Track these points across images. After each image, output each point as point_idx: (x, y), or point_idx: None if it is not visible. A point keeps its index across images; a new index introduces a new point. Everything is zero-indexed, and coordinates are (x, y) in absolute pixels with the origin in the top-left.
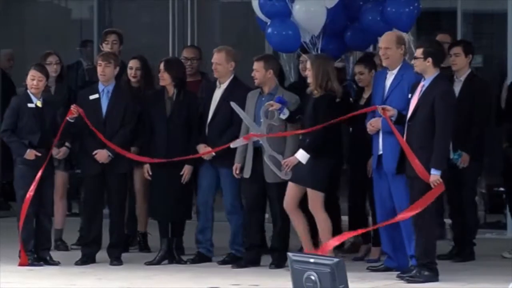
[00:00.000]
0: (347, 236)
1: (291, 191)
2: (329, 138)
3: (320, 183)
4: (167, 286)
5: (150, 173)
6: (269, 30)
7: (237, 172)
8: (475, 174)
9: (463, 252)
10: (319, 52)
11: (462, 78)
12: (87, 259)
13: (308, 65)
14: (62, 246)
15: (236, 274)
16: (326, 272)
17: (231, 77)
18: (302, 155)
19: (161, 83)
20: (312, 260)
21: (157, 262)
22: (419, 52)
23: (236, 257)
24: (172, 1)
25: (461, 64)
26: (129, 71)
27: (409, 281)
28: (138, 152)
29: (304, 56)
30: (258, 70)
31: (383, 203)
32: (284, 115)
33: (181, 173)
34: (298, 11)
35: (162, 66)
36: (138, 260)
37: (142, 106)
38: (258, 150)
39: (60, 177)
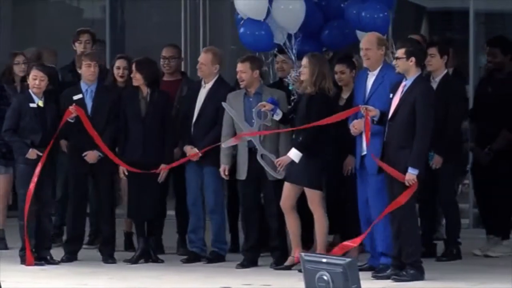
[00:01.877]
0: (361, 239)
1: (287, 191)
2: (321, 136)
3: (315, 181)
4: (178, 286)
5: (126, 173)
6: (242, 30)
7: (226, 173)
8: (450, 175)
9: (449, 252)
10: (295, 52)
11: (438, 79)
12: (71, 256)
13: (304, 62)
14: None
15: (247, 274)
16: (339, 272)
17: (216, 77)
18: (295, 154)
19: (134, 83)
20: (324, 260)
21: (134, 261)
22: (401, 52)
23: (219, 255)
24: (184, 0)
25: (436, 65)
26: (116, 71)
27: (395, 280)
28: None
29: (280, 57)
30: (245, 71)
31: (363, 206)
32: (278, 115)
33: (157, 171)
34: (276, 9)
35: (133, 66)
36: (123, 259)
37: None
38: (252, 151)
39: None
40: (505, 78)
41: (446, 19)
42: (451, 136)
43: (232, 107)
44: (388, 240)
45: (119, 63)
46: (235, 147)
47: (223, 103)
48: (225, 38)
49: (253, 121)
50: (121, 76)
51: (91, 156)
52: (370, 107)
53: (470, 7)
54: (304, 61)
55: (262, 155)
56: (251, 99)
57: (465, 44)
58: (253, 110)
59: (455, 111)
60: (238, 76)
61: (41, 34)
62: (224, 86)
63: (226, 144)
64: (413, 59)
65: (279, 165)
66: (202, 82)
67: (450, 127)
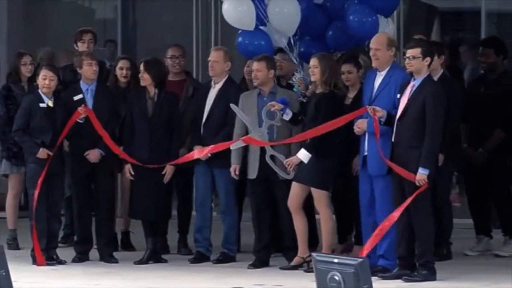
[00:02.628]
0: (376, 240)
1: (295, 191)
2: (330, 136)
3: (323, 182)
4: (191, 286)
5: (132, 173)
6: (240, 39)
7: (237, 173)
8: (448, 173)
9: (439, 252)
10: (296, 55)
11: (435, 79)
12: (82, 257)
13: (314, 63)
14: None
15: (259, 274)
16: (350, 272)
17: (226, 77)
18: (303, 155)
19: (142, 83)
20: (336, 260)
21: (145, 261)
22: (416, 52)
23: (229, 256)
24: (196, 0)
25: (434, 65)
26: (119, 72)
27: (407, 280)
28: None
29: (278, 56)
30: (260, 70)
31: (367, 203)
32: (287, 115)
33: (163, 172)
34: (271, 13)
35: (142, 66)
36: (125, 259)
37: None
38: (263, 149)
39: None
40: (497, 79)
41: (458, 19)
42: (449, 135)
43: (245, 107)
44: (387, 242)
45: (122, 63)
46: (246, 147)
47: (231, 105)
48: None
49: (262, 121)
50: (124, 77)
51: (93, 155)
52: (377, 108)
53: (482, 7)
54: (314, 61)
55: (271, 156)
56: (265, 99)
57: (477, 44)
58: (263, 110)
59: (453, 110)
60: (253, 75)
61: (53, 34)
62: (234, 86)
63: (234, 146)
64: (428, 59)
65: (288, 165)
66: (212, 83)
67: (449, 126)
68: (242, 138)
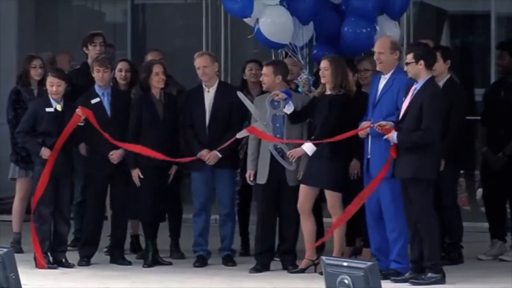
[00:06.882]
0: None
1: (305, 194)
2: (344, 139)
3: (337, 184)
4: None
5: (141, 177)
6: (258, 27)
7: (251, 179)
8: (452, 177)
9: (450, 256)
10: (303, 56)
11: (441, 84)
12: (88, 260)
13: (325, 65)
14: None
15: (270, 277)
16: (360, 276)
17: (218, 80)
18: (308, 147)
19: (162, 85)
20: (345, 264)
21: (150, 264)
22: (410, 57)
23: (232, 259)
24: (205, 4)
25: (440, 69)
26: (118, 73)
27: (413, 283)
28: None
29: (289, 59)
30: (267, 75)
31: (372, 205)
32: (289, 107)
33: (169, 172)
34: (263, 23)
35: (162, 69)
36: (134, 262)
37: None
38: (272, 155)
39: None
40: None
41: (468, 22)
42: (453, 139)
43: (260, 110)
44: (398, 247)
45: (121, 65)
46: (258, 152)
47: (238, 93)
48: (246, 41)
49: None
50: (124, 78)
51: (117, 155)
52: (382, 123)
53: (491, 11)
54: (325, 63)
55: (275, 146)
56: (276, 103)
57: (487, 47)
58: (267, 98)
59: (457, 115)
60: (261, 79)
61: (63, 38)
62: (229, 86)
63: (240, 134)
64: (422, 62)
65: (292, 156)
66: (204, 87)
67: (453, 130)
68: (247, 128)
